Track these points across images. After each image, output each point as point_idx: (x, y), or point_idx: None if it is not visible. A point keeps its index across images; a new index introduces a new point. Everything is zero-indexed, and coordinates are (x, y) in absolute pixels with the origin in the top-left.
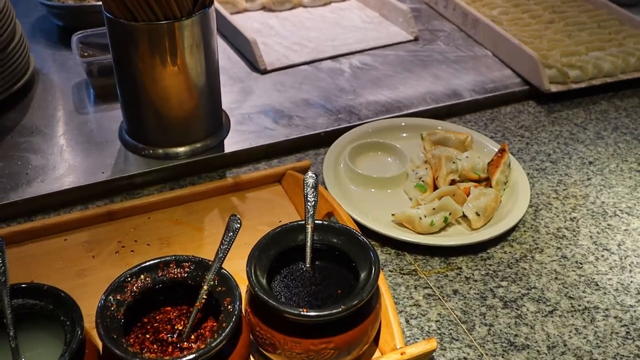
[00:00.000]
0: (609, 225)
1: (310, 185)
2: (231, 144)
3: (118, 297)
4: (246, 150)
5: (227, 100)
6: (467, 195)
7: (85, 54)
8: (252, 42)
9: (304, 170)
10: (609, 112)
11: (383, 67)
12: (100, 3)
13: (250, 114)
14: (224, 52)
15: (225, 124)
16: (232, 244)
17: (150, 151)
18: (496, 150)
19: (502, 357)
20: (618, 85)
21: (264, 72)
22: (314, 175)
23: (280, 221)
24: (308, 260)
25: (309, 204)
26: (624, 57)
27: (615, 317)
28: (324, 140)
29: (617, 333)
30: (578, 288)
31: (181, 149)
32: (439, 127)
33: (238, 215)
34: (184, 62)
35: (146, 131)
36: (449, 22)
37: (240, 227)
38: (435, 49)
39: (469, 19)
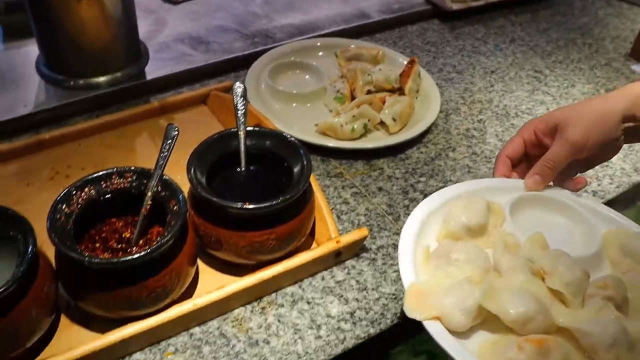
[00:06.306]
0: (512, 124)
1: (239, 94)
2: (152, 72)
3: (66, 209)
4: (168, 76)
5: (143, 31)
6: (383, 104)
7: None
8: None
9: (227, 90)
10: (506, 27)
11: None
12: None
13: (167, 42)
14: None
15: (145, 53)
16: (171, 151)
17: (72, 82)
18: (406, 63)
19: None
20: (512, 2)
21: (176, 2)
22: (241, 85)
23: None
24: (243, 163)
25: (239, 112)
26: None
27: None
28: (242, 63)
29: None
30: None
31: (102, 79)
32: (352, 45)
33: (175, 124)
34: None
35: (65, 63)
36: None
37: (178, 134)
38: None
39: None
